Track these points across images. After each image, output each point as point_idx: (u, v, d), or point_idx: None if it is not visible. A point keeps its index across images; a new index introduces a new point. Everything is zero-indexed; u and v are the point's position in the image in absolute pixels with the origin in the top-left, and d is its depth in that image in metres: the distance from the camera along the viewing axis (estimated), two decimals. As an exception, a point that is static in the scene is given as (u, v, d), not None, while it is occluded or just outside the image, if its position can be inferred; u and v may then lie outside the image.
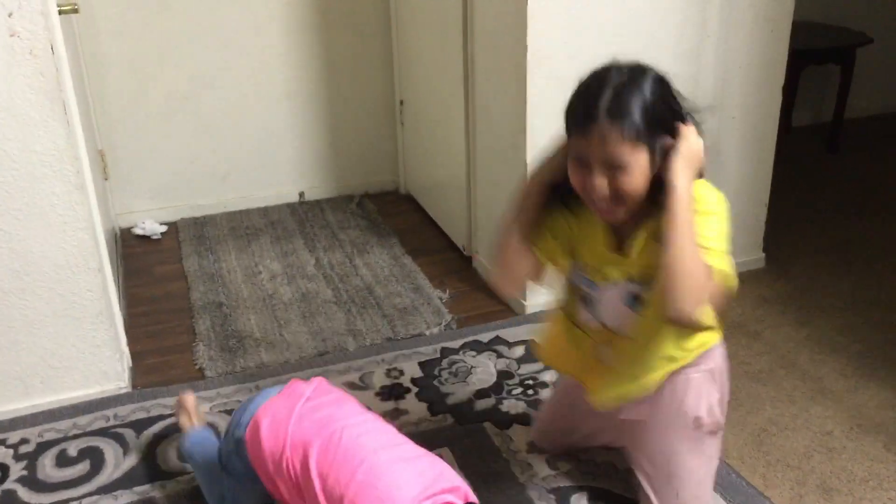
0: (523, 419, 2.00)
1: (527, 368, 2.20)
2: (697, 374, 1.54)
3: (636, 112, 1.32)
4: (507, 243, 1.52)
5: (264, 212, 3.33)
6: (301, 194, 3.44)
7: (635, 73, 1.36)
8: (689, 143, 1.37)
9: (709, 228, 1.37)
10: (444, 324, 2.46)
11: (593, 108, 1.33)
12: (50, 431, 2.00)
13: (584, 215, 1.51)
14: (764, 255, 2.76)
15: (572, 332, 1.64)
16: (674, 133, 1.37)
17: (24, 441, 1.98)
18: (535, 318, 2.44)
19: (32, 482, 1.84)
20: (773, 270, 2.74)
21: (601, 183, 1.36)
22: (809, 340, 2.33)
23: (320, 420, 1.46)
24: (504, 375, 2.18)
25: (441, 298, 2.62)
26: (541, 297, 2.47)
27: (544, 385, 2.13)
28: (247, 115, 3.25)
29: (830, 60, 3.68)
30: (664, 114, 1.36)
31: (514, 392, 2.11)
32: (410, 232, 3.12)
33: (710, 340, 1.56)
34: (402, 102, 3.36)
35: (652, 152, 1.35)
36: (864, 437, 1.94)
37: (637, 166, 1.35)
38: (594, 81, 1.37)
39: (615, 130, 1.32)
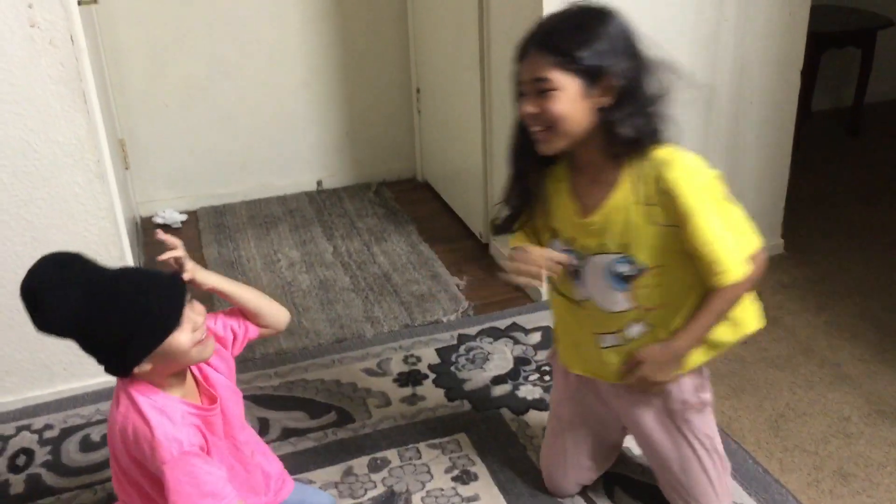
0: (539, 405, 2.01)
1: (543, 354, 2.21)
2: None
3: (568, 38, 1.33)
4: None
5: (283, 200, 3.35)
6: (319, 183, 3.45)
7: (585, 11, 1.38)
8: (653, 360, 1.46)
9: (720, 223, 1.38)
10: (461, 311, 2.47)
11: (529, 37, 1.37)
12: (74, 417, 2.04)
13: (555, 185, 1.50)
14: (783, 241, 2.75)
15: (573, 313, 1.56)
16: (619, 71, 1.34)
17: (48, 427, 2.01)
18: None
19: (57, 466, 1.88)
20: (792, 256, 2.72)
21: (530, 106, 1.37)
22: (828, 326, 2.32)
23: None
24: (521, 361, 2.19)
25: (458, 286, 2.63)
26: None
27: (561, 371, 2.13)
28: (264, 104, 3.27)
29: (851, 44, 3.64)
30: (604, 48, 1.34)
31: (531, 378, 2.12)
32: (428, 220, 3.13)
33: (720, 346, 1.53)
34: (418, 90, 3.36)
35: (585, 81, 1.34)
36: (882, 422, 1.93)
37: (565, 90, 1.34)
38: (544, 18, 1.41)
39: (542, 53, 1.34)
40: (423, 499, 1.74)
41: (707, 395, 1.57)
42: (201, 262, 2.85)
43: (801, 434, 1.90)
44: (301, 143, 3.37)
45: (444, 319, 2.43)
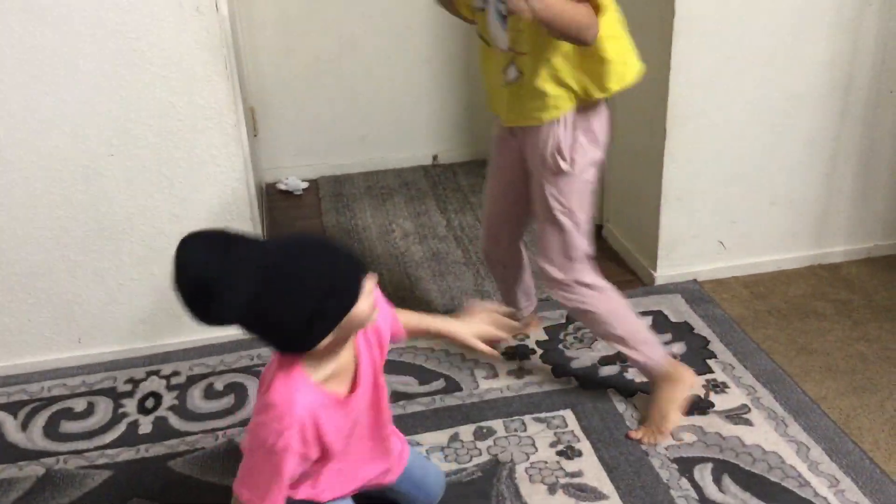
0: (647, 388, 1.99)
1: (654, 339, 2.19)
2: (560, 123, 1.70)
3: None
4: None
5: (399, 173, 3.42)
6: (434, 157, 3.51)
7: None
8: None
9: None
10: (571, 290, 2.47)
11: None
12: (199, 366, 2.16)
13: None
14: (916, 239, 2.62)
15: (488, 57, 1.74)
16: None
17: (175, 373, 2.14)
18: (665, 289, 2.42)
19: (182, 411, 2.00)
20: (925, 256, 2.59)
21: None
22: (961, 330, 2.20)
23: None
24: (630, 344, 2.17)
25: (569, 265, 2.62)
26: (672, 269, 2.44)
27: (671, 356, 2.11)
28: (386, 79, 3.34)
29: None
30: None
31: (640, 361, 2.10)
32: (541, 199, 3.12)
33: (598, 90, 1.67)
34: (539, 69, 3.35)
35: None
36: None
37: None
38: None
39: None
40: (526, 469, 1.76)
41: (578, 161, 1.73)
42: (319, 228, 2.95)
43: (925, 438, 1.82)
44: (419, 117, 3.43)
45: (554, 297, 2.43)
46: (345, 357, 1.30)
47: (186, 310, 1.12)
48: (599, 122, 1.74)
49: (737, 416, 1.89)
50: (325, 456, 1.31)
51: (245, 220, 2.13)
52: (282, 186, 3.28)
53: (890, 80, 2.36)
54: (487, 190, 2.02)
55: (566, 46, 1.61)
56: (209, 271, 1.09)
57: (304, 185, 3.30)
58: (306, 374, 1.24)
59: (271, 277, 1.12)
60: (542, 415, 1.93)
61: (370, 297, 1.21)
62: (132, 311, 2.18)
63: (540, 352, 2.17)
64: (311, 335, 1.18)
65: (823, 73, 2.31)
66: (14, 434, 1.94)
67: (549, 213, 1.80)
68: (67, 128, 1.96)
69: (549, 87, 1.65)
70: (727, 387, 1.99)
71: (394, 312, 1.46)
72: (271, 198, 3.24)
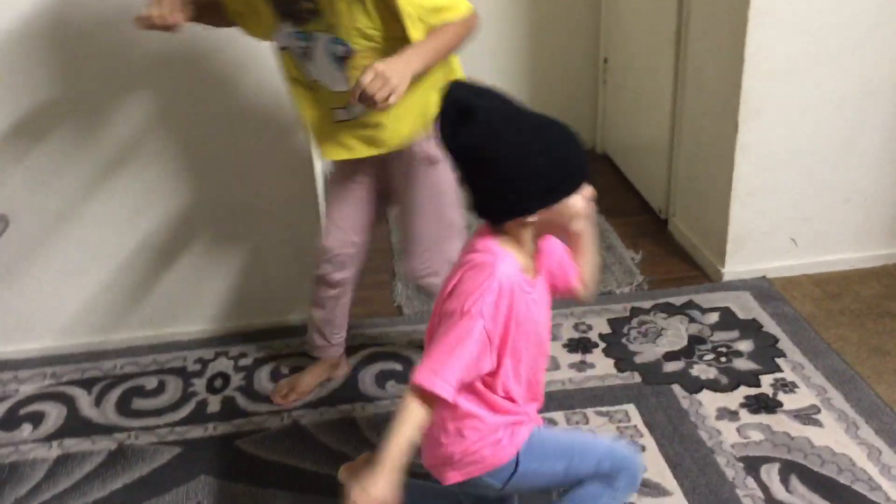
0: (714, 385, 1.97)
1: (720, 336, 2.15)
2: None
3: None
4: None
5: (462, 164, 3.42)
6: (498, 149, 3.49)
7: None
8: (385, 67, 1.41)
9: None
10: (635, 284, 2.45)
11: None
12: (265, 348, 2.20)
13: None
14: None
15: (307, 97, 1.66)
16: None
17: (242, 355, 2.19)
18: (732, 285, 2.38)
19: (249, 392, 2.04)
20: None
21: None
22: None
23: None
24: (695, 340, 2.14)
25: (633, 259, 2.60)
26: (740, 265, 2.40)
27: (738, 354, 2.08)
28: (452, 69, 3.33)
29: None
30: None
31: (706, 358, 2.07)
32: (605, 192, 3.04)
33: None
34: (606, 61, 3.32)
35: None
36: None
37: None
38: None
39: None
40: (588, 462, 1.75)
41: (438, 153, 1.64)
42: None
43: None
44: (484, 108, 3.42)
45: (617, 291, 2.42)
46: (529, 256, 1.31)
47: (450, 129, 1.20)
48: None
49: (806, 416, 1.85)
50: (508, 352, 1.29)
51: (311, 209, 2.16)
52: (346, 175, 3.31)
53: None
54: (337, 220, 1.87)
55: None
56: (468, 95, 1.20)
57: (368, 174, 3.32)
58: (508, 251, 1.27)
59: (524, 130, 1.20)
60: (605, 408, 1.92)
61: (588, 203, 1.26)
62: (201, 295, 2.23)
63: (603, 345, 2.15)
64: (531, 199, 1.22)
65: None
66: (88, 409, 2.01)
67: (432, 206, 1.76)
68: (158, 126, 2.04)
69: (412, 103, 1.57)
70: (796, 386, 1.95)
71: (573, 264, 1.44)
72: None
